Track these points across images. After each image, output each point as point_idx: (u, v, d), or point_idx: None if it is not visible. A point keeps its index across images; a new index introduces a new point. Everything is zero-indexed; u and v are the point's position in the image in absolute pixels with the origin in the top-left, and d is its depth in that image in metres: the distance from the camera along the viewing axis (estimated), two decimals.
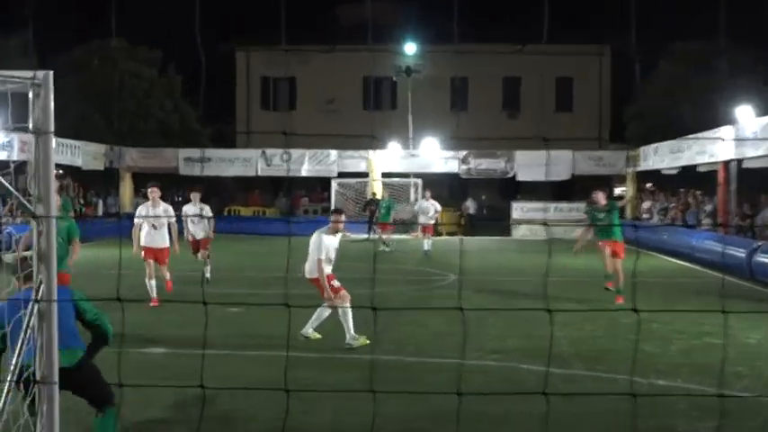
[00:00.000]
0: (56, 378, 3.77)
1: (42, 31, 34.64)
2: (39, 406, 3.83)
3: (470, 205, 35.10)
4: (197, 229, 16.16)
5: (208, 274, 15.71)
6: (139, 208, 14.35)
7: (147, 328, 11.05)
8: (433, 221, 24.72)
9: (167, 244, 13.75)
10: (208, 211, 16.36)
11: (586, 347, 10.29)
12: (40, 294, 3.83)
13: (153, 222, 13.52)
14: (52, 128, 3.80)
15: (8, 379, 4.03)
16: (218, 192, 36.55)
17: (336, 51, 40.80)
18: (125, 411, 7.17)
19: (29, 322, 4.66)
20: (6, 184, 3.78)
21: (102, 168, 32.14)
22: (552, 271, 17.74)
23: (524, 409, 7.26)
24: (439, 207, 24.90)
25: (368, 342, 10.16)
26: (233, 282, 16.58)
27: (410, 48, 37.39)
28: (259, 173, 33.51)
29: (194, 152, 34.36)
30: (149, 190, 14.00)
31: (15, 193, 3.81)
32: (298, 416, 7.08)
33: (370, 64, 40.49)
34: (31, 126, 3.76)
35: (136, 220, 14.03)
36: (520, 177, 32.37)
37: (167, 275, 13.87)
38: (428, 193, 25.48)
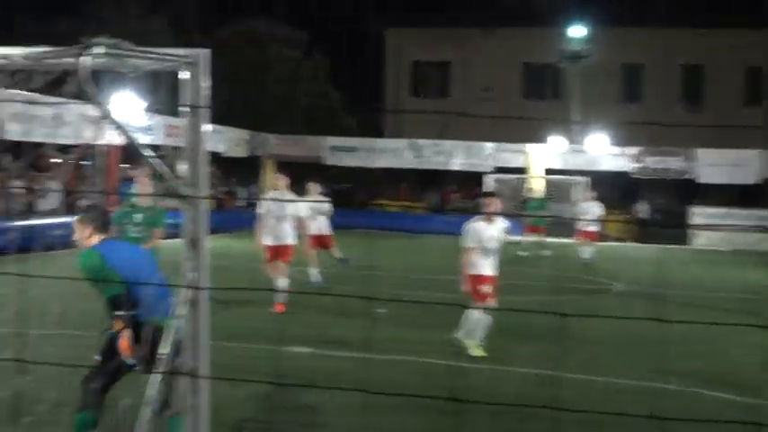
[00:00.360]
0: (206, 370, 3.82)
1: (183, 13, 36.04)
2: (184, 399, 3.90)
3: (642, 208, 33.86)
4: (321, 225, 15.86)
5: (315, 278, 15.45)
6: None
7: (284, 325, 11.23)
8: (593, 227, 23.53)
9: (290, 241, 13.32)
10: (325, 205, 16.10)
11: None
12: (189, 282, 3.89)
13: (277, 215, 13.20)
14: (206, 109, 3.86)
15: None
16: (363, 184, 36.86)
17: (495, 35, 40.49)
18: (274, 413, 7.31)
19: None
20: (157, 166, 3.86)
21: (244, 155, 33.02)
22: (739, 286, 16.91)
23: None
24: (601, 210, 23.89)
25: (481, 354, 9.91)
26: (377, 281, 16.63)
27: (578, 31, 36.54)
28: (407, 165, 33.58)
29: (342, 141, 34.75)
30: (274, 176, 13.67)
31: (165, 173, 3.89)
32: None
33: (532, 49, 39.80)
34: (184, 107, 3.83)
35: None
36: (702, 179, 30.96)
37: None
38: (591, 194, 24.90)
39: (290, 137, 34.95)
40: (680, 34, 38.06)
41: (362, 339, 9.74)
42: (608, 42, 37.26)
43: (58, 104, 16.85)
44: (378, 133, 40.11)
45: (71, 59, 3.32)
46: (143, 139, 24.36)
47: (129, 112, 21.99)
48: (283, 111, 38.50)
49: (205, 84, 3.85)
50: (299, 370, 9.08)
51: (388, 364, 9.42)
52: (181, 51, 3.92)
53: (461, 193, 37.36)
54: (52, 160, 25.70)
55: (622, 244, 29.71)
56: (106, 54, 3.41)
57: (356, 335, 9.88)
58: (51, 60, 3.51)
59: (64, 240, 10.96)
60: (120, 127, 3.73)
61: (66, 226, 18.41)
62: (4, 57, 3.64)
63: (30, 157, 23.22)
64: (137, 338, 5.63)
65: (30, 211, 21.47)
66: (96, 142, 20.39)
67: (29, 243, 15.90)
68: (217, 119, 31.28)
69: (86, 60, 3.32)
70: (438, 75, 42.83)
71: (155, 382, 4.40)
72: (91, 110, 3.95)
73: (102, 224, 6.05)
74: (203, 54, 3.89)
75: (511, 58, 40.30)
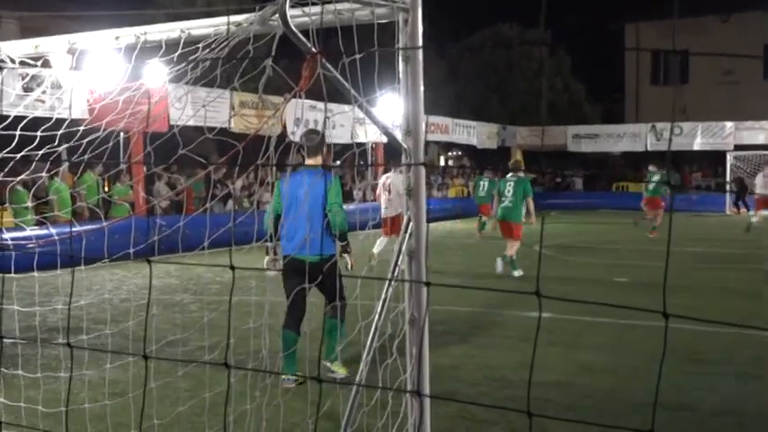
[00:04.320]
0: (427, 389, 3.36)
1: (440, 21, 36.14)
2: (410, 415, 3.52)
3: None
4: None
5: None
6: None
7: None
8: None
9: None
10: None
11: None
12: (409, 230, 3.53)
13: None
14: (420, 55, 3.47)
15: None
16: (605, 168, 35.44)
17: (733, 19, 37.47)
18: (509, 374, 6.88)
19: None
20: (374, 115, 3.53)
21: (494, 147, 32.79)
22: None
23: None
24: None
25: None
26: (617, 253, 15.71)
27: None
28: (648, 148, 31.70)
29: (583, 129, 33.64)
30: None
31: (384, 125, 3.56)
32: (691, 391, 6.22)
33: None
34: (399, 54, 3.46)
35: None
36: None
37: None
38: None
39: (535, 128, 34.21)
40: None
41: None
42: None
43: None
44: (619, 121, 38.32)
45: (270, 16, 3.05)
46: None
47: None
48: (530, 105, 37.80)
49: (420, 29, 3.47)
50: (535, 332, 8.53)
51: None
52: None
53: (702, 172, 34.79)
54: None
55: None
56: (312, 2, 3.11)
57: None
58: (249, 27, 3.27)
59: None
60: (361, 106, 3.44)
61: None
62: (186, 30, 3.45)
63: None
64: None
65: None
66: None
67: None
68: (470, 115, 31.50)
69: (289, 13, 3.04)
70: (677, 62, 40.19)
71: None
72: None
73: None
74: None
75: (750, 41, 36.88)
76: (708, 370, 6.87)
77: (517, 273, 12.71)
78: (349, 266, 6.56)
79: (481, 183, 20.74)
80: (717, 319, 8.14)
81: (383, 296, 3.43)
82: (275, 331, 5.84)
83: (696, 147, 31.05)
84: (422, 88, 3.55)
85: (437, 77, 34.83)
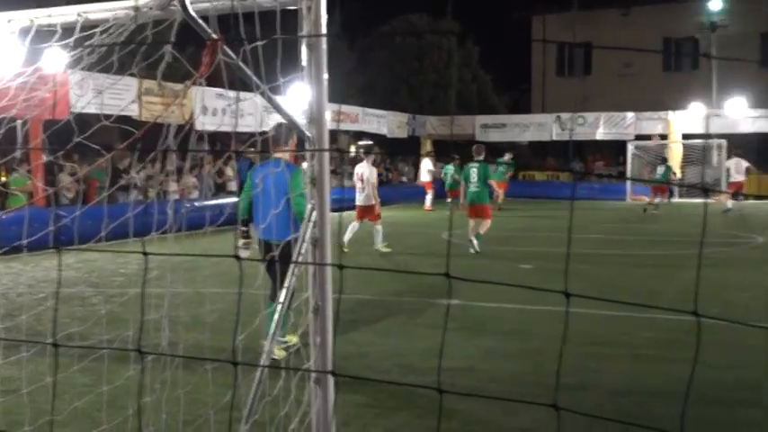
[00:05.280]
0: (330, 377, 3.35)
1: (350, 11, 36.11)
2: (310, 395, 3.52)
3: None
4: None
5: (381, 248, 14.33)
6: None
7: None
8: (740, 177, 24.95)
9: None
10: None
11: None
12: (312, 218, 3.52)
13: None
14: (324, 43, 3.45)
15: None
16: (512, 157, 36.12)
17: (633, 13, 38.73)
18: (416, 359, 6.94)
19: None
20: (281, 108, 3.51)
21: (405, 136, 33.03)
22: None
23: None
24: (746, 163, 25.18)
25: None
26: (523, 241, 16.08)
27: (715, 4, 34.16)
28: (554, 137, 32.54)
29: (491, 119, 34.23)
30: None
31: (287, 113, 3.54)
32: (589, 372, 6.44)
33: (670, 24, 37.62)
34: (303, 42, 3.43)
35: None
36: None
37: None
38: (735, 150, 26.05)
39: (445, 117, 34.63)
40: None
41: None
42: (745, 12, 34.83)
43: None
44: (525, 110, 39.21)
45: (170, 1, 2.98)
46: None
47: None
48: (439, 95, 38.24)
49: (324, 16, 3.45)
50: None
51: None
52: None
53: (605, 161, 35.91)
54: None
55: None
56: None
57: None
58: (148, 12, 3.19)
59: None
60: (263, 92, 3.39)
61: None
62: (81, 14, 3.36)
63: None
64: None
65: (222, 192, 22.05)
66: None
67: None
68: (380, 104, 31.60)
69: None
70: (581, 54, 41.30)
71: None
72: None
73: None
74: None
75: (649, 35, 38.17)
76: (607, 351, 7.11)
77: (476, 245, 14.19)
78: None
79: (447, 172, 24.69)
80: (617, 302, 8.43)
81: (287, 284, 3.41)
82: (180, 324, 5.74)
83: (599, 136, 32.02)
84: (326, 76, 3.54)
85: (347, 67, 34.81)
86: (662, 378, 6.21)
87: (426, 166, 27.45)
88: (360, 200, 14.29)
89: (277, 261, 5.64)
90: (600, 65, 40.28)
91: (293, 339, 6.70)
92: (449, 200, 25.01)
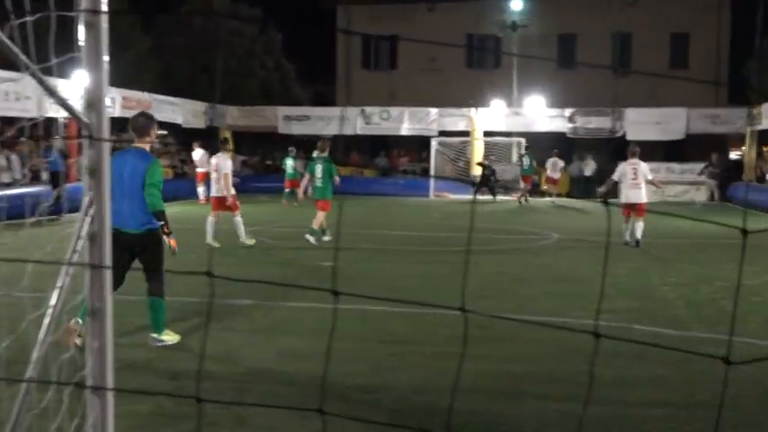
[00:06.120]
0: (109, 385, 3.23)
1: None
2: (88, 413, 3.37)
3: (586, 165, 32.58)
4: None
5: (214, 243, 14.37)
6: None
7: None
8: (557, 174, 29.89)
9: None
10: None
11: (706, 309, 9.44)
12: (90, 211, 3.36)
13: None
14: (105, 22, 3.30)
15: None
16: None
17: (439, 8, 40.17)
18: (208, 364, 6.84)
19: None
20: (54, 91, 3.33)
21: (202, 126, 32.42)
22: (666, 233, 16.87)
23: (638, 373, 6.58)
24: (563, 163, 30.20)
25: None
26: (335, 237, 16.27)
27: (516, 4, 36.20)
28: (358, 131, 33.14)
29: (294, 110, 34.32)
30: None
31: (60, 97, 3.37)
32: (388, 371, 6.62)
33: (474, 21, 39.43)
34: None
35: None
36: (630, 136, 29.96)
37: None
38: (554, 150, 30.31)
39: (245, 108, 34.33)
40: (610, 4, 38.01)
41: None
42: (544, 13, 37.20)
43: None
44: (330, 103, 39.64)
45: None
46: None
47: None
48: (241, 84, 37.84)
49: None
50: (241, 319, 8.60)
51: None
52: None
53: (409, 157, 37.04)
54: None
55: (563, 199, 29.53)
56: None
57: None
58: None
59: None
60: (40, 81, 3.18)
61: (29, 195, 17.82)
62: None
63: None
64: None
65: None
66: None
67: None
68: (178, 92, 30.78)
69: None
70: (387, 48, 42.29)
71: None
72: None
73: None
74: None
75: (454, 31, 39.78)
76: (405, 350, 7.34)
77: (326, 237, 15.35)
78: (171, 250, 7.36)
79: (287, 162, 26.15)
80: (414, 300, 8.73)
81: (59, 284, 3.25)
82: None
83: (404, 132, 33.01)
84: (105, 58, 3.39)
85: (142, 51, 33.65)
86: (460, 375, 6.49)
87: (197, 155, 26.66)
88: (214, 191, 14.64)
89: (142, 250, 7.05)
90: (406, 59, 41.46)
91: (171, 337, 7.35)
92: (286, 190, 25.60)
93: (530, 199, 29.11)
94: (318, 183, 15.23)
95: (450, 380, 6.33)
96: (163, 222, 7.19)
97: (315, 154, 15.56)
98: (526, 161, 28.84)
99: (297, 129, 33.49)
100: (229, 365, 6.66)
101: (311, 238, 15.02)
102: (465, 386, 6.06)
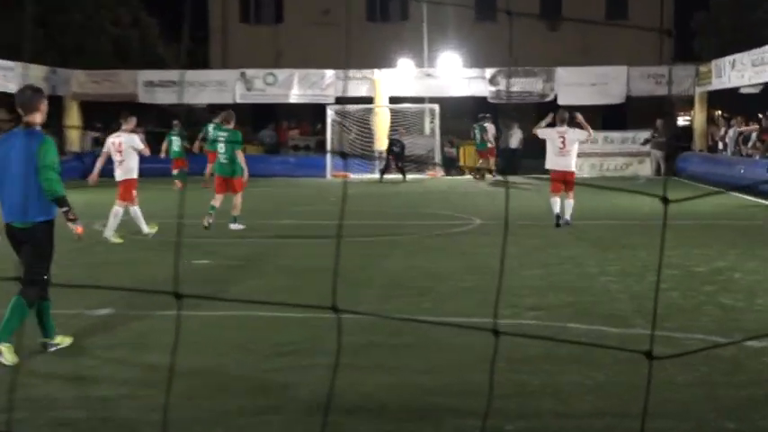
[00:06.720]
0: None
1: None
2: None
3: (512, 136, 32.77)
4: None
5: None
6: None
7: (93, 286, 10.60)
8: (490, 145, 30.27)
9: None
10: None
11: (651, 302, 9.76)
12: None
13: None
14: None
15: None
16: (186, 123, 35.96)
17: None
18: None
19: None
20: None
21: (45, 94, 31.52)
22: (604, 213, 17.29)
23: (572, 379, 6.76)
24: (494, 129, 30.83)
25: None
26: (197, 231, 16.12)
27: None
28: (237, 99, 32.84)
29: (157, 74, 33.76)
30: None
31: None
32: (278, 389, 6.63)
33: None
34: None
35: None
36: (561, 101, 30.13)
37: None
38: (486, 115, 30.73)
39: (96, 72, 33.59)
40: None
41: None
42: None
43: None
44: (203, 65, 39.09)
45: None
46: None
47: None
48: (89, 43, 36.88)
49: None
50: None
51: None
52: None
53: (300, 130, 36.93)
54: None
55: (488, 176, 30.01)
56: None
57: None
58: None
59: None
60: None
61: None
62: None
63: None
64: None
65: None
66: None
67: None
68: (8, 54, 29.82)
69: None
70: None
71: None
72: None
73: None
74: None
75: None
76: (298, 362, 7.33)
77: (239, 226, 15.75)
78: (76, 237, 7.55)
79: (171, 139, 26.31)
80: (310, 303, 8.76)
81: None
82: None
83: (293, 99, 32.90)
84: None
85: None
86: (361, 389, 6.54)
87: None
88: (118, 175, 14.66)
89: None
90: (294, 10, 41.16)
91: (65, 340, 7.64)
92: (174, 171, 25.94)
93: (488, 177, 29.84)
94: (222, 159, 15.70)
95: (353, 393, 6.37)
96: (66, 209, 7.27)
97: (212, 125, 16.03)
98: (477, 135, 29.81)
99: (162, 97, 32.98)
100: (78, 389, 6.55)
101: (237, 226, 15.73)
102: (370, 404, 6.12)
